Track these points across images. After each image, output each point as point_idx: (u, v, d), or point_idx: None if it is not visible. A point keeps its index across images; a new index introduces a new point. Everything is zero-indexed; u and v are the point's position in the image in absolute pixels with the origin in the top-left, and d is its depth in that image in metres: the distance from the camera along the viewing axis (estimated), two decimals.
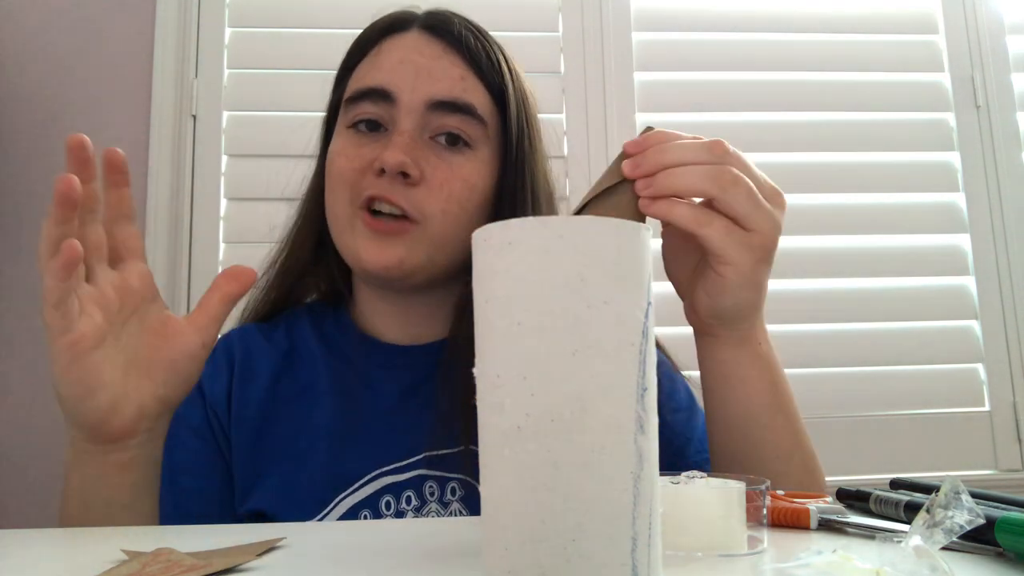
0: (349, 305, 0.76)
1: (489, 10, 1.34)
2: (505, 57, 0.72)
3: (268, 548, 0.39)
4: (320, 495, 0.63)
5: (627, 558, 0.23)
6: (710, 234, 0.50)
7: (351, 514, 0.62)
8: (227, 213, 1.26)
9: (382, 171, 0.64)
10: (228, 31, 1.31)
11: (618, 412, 0.24)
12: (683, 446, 0.69)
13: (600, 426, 0.24)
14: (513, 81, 0.71)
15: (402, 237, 0.65)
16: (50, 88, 1.27)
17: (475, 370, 0.27)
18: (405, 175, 0.64)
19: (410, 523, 0.55)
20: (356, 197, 0.66)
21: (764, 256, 0.53)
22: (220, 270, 1.23)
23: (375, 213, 0.65)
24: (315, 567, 0.36)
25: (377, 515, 0.63)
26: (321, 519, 0.62)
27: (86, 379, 0.48)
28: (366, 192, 0.65)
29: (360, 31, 0.75)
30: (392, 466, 0.65)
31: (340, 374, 0.70)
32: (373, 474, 0.64)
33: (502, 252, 0.26)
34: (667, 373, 0.75)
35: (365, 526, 0.50)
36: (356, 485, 0.64)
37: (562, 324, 0.24)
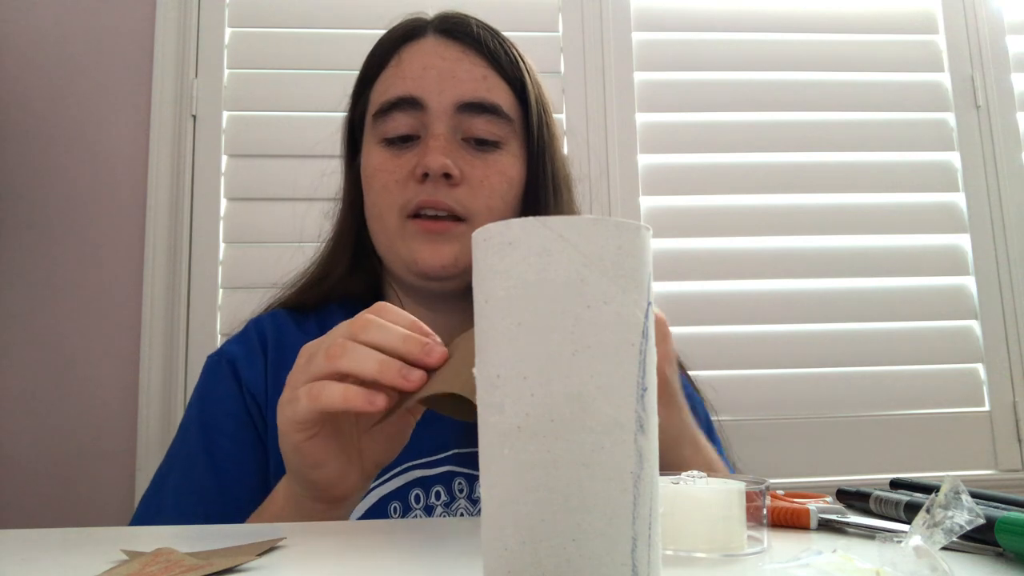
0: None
1: (489, 10, 1.34)
2: (519, 52, 0.74)
3: (268, 548, 0.39)
4: None
5: (627, 558, 0.23)
6: None
7: (381, 505, 0.63)
8: (227, 213, 1.26)
9: (425, 176, 0.66)
10: (228, 31, 1.31)
11: (618, 412, 0.24)
12: None
13: (600, 426, 0.24)
14: (529, 73, 0.73)
15: (454, 236, 0.67)
16: (50, 88, 1.27)
17: (475, 370, 0.27)
18: (447, 176, 0.66)
19: (411, 523, 0.55)
20: (405, 206, 0.68)
21: None
22: (220, 270, 1.24)
23: (423, 216, 0.67)
24: (315, 567, 0.36)
25: (406, 508, 0.63)
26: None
27: (313, 456, 0.49)
28: (415, 200, 0.67)
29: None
30: (423, 460, 0.65)
31: None
32: (404, 466, 0.65)
33: (502, 252, 0.26)
34: (689, 395, 0.75)
35: (365, 526, 0.50)
36: (387, 476, 0.64)
37: (562, 324, 0.24)
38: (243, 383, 0.69)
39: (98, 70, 1.28)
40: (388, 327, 0.46)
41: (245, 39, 1.31)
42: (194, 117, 1.28)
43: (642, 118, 1.34)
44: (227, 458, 0.65)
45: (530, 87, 0.72)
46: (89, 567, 0.35)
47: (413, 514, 0.64)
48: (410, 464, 0.65)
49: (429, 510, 0.64)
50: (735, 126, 1.35)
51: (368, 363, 0.45)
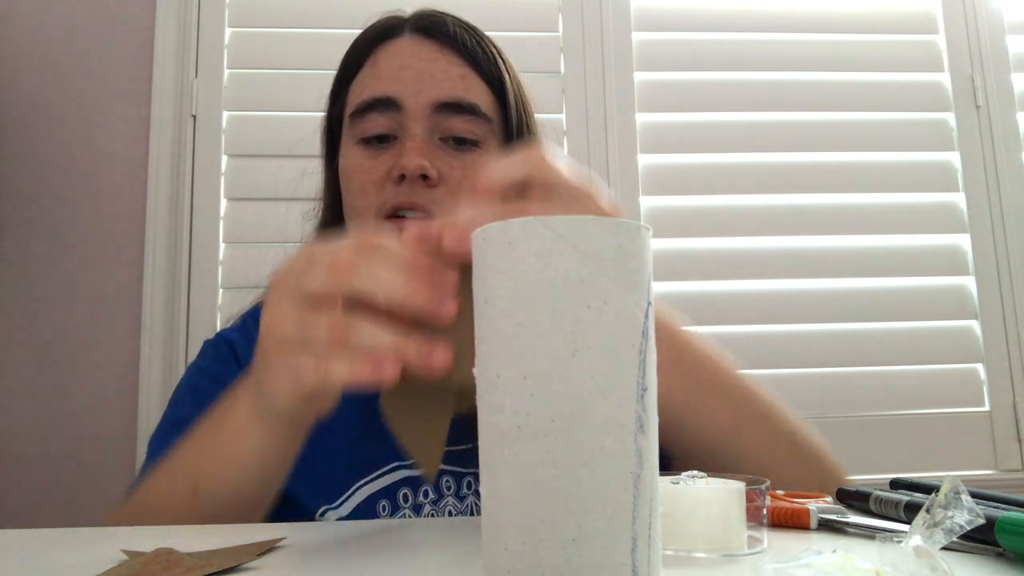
0: None
1: (489, 10, 1.34)
2: (497, 49, 0.73)
3: (268, 548, 0.39)
4: (340, 479, 0.63)
5: (627, 558, 0.23)
6: None
7: (369, 503, 0.63)
8: (227, 213, 1.26)
9: (402, 177, 0.66)
10: (228, 31, 1.31)
11: (618, 412, 0.24)
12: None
13: (600, 426, 0.24)
14: (508, 72, 0.72)
15: None
16: (51, 88, 1.27)
17: (475, 370, 0.26)
18: (425, 178, 0.65)
19: (410, 523, 0.55)
20: (381, 208, 0.67)
21: None
22: (220, 270, 1.24)
23: (400, 218, 0.67)
24: (315, 567, 0.36)
25: (395, 507, 0.63)
26: (340, 504, 0.63)
27: (322, 410, 0.46)
28: (391, 202, 0.66)
29: (357, 32, 0.75)
30: (410, 460, 0.65)
31: None
32: (392, 465, 0.64)
33: (502, 252, 0.26)
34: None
35: (365, 526, 0.50)
36: (375, 474, 0.64)
37: (562, 324, 0.24)
38: (242, 364, 0.69)
39: (98, 70, 1.28)
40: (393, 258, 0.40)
41: (245, 39, 1.31)
42: (194, 117, 1.28)
43: (642, 118, 1.34)
44: None
45: (509, 85, 0.72)
46: (89, 567, 0.35)
47: (401, 513, 0.64)
48: (396, 464, 0.65)
49: (418, 509, 0.64)
50: (735, 126, 1.35)
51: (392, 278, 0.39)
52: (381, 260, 0.40)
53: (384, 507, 0.63)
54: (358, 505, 0.63)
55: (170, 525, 0.49)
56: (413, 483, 0.64)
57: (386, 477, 0.64)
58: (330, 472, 0.63)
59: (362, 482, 0.64)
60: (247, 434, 0.49)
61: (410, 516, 0.64)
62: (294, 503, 0.62)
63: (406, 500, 0.64)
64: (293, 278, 0.43)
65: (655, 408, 0.26)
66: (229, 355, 0.70)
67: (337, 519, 0.62)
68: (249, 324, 0.73)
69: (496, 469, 0.25)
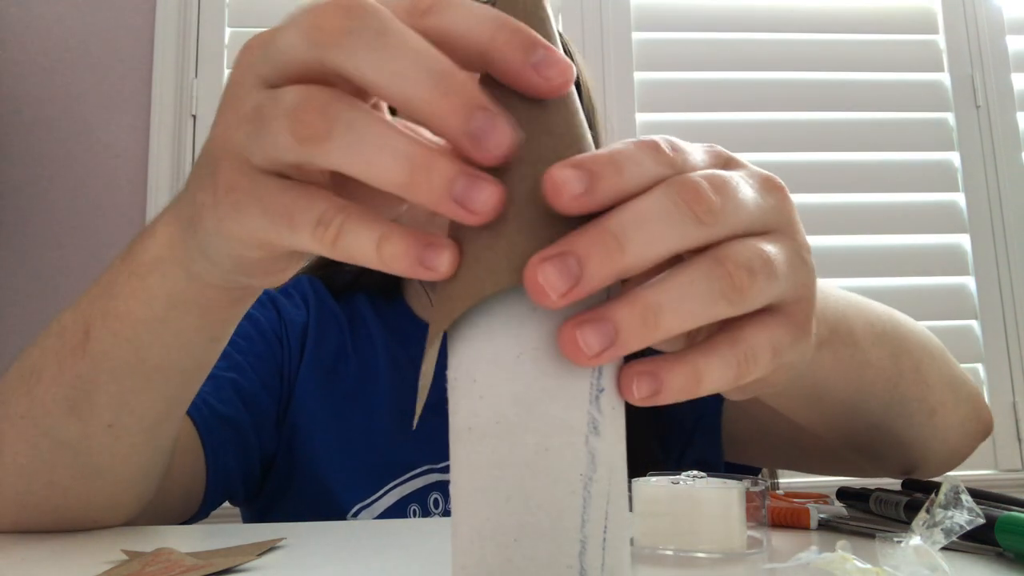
0: (404, 294, 0.75)
1: None
2: (573, 50, 0.74)
3: (268, 548, 0.39)
4: (373, 477, 0.63)
5: (574, 560, 0.24)
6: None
7: (400, 505, 0.63)
8: None
9: None
10: (228, 31, 1.31)
11: (566, 414, 0.24)
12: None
13: (545, 428, 0.24)
14: (578, 71, 0.73)
15: None
16: (50, 88, 1.27)
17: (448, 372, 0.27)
18: None
19: (411, 523, 0.55)
20: None
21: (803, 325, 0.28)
22: None
23: None
24: (315, 567, 0.36)
25: (426, 511, 0.63)
26: (372, 504, 0.62)
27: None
28: None
29: None
30: (441, 464, 0.65)
31: (396, 356, 0.70)
32: (423, 468, 0.64)
33: None
34: None
35: (366, 526, 0.50)
36: (406, 476, 0.64)
37: (507, 326, 0.24)
38: (282, 315, 0.67)
39: (98, 70, 1.28)
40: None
41: (245, 39, 1.31)
42: (194, 117, 1.28)
43: (642, 118, 1.34)
44: (235, 366, 0.61)
45: (581, 78, 0.71)
46: (89, 567, 0.35)
47: (431, 518, 0.64)
48: (428, 467, 0.65)
49: (448, 515, 0.64)
50: (735, 126, 1.35)
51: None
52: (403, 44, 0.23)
53: (415, 511, 0.63)
54: (389, 507, 0.62)
55: (54, 388, 0.41)
56: (444, 488, 0.64)
57: (417, 480, 0.64)
58: (364, 469, 0.63)
59: (394, 483, 0.63)
60: (162, 272, 0.37)
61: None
62: (329, 498, 0.62)
63: (436, 505, 0.64)
64: (258, 46, 0.27)
65: (616, 409, 0.25)
66: (268, 303, 0.68)
67: (370, 519, 0.62)
68: (290, 287, 0.70)
69: (454, 468, 0.26)
